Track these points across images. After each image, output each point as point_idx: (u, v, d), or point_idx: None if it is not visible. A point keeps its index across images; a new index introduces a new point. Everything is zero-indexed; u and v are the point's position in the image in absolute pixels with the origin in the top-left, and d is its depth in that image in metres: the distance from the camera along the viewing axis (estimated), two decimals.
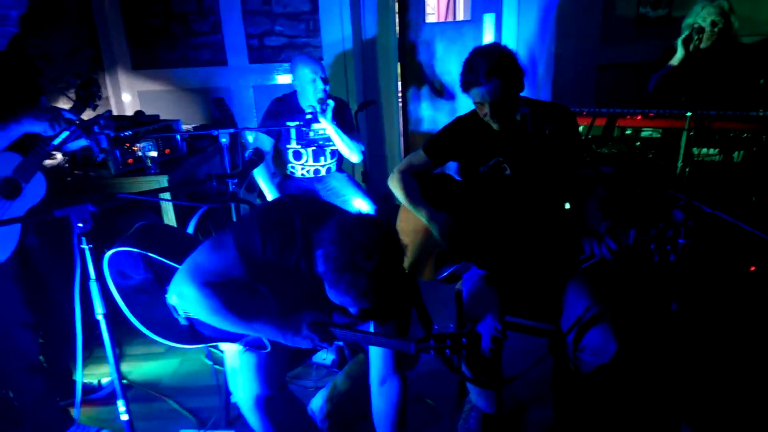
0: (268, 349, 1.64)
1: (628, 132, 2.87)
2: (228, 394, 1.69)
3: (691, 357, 2.46)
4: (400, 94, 4.56)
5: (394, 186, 2.17)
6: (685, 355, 2.47)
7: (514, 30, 4.13)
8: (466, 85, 1.91)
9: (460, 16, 4.89)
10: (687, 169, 2.29)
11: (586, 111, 2.98)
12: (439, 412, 2.26)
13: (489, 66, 1.83)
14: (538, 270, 2.07)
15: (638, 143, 2.85)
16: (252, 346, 1.66)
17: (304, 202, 1.55)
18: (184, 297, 1.46)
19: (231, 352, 1.73)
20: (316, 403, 2.09)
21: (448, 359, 1.91)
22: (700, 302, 2.68)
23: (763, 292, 2.44)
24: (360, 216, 1.42)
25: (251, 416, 1.66)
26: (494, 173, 2.04)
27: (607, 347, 1.83)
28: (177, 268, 1.50)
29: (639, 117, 2.86)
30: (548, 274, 2.05)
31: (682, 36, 2.94)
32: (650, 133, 2.84)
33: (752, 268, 2.61)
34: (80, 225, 1.34)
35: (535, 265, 2.07)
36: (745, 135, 2.67)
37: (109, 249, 1.66)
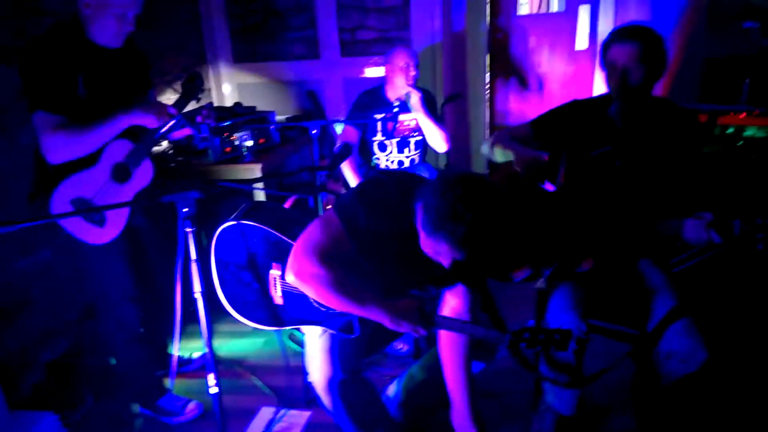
0: (356, 335, 1.70)
1: (729, 131, 2.69)
2: (306, 375, 1.77)
3: None
4: (487, 87, 4.50)
5: (490, 142, 2.12)
6: None
7: (611, 22, 3.95)
8: (607, 45, 1.88)
9: (554, 8, 4.73)
10: None
11: (687, 107, 2.81)
12: (514, 411, 2.24)
13: (636, 29, 1.83)
14: (629, 269, 2.01)
15: (740, 142, 2.66)
16: (341, 330, 1.72)
17: (395, 173, 1.63)
18: (302, 271, 1.51)
19: (310, 334, 1.81)
20: (392, 391, 2.14)
21: (524, 358, 1.90)
22: None
23: None
24: (464, 172, 1.45)
25: (325, 398, 1.71)
26: (603, 162, 1.98)
27: (695, 354, 1.75)
28: (288, 242, 1.61)
29: (743, 115, 2.66)
30: (637, 275, 1.98)
31: None
32: (754, 132, 2.64)
33: None
34: (185, 210, 1.46)
35: (628, 264, 2.00)
36: None
37: (216, 228, 1.80)
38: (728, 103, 2.77)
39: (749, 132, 2.65)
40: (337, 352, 1.70)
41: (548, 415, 2.07)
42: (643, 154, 1.93)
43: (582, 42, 4.20)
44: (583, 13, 4.13)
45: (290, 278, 1.54)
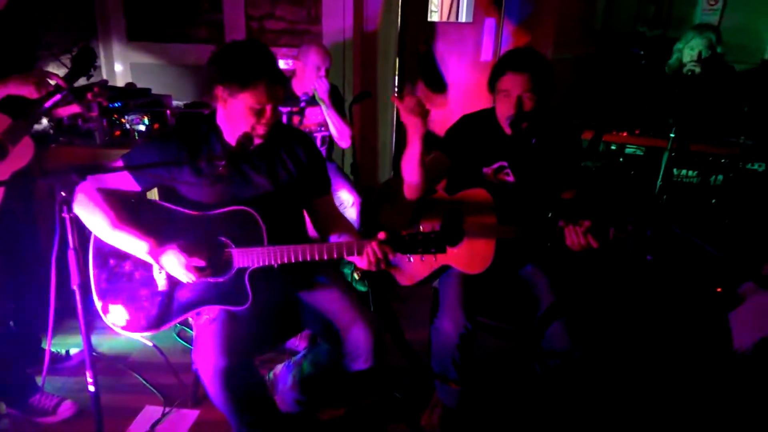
0: (247, 305, 1.69)
1: (613, 147, 2.93)
2: (196, 372, 1.69)
3: (646, 369, 2.53)
4: (396, 90, 4.57)
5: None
6: (641, 364, 2.54)
7: (514, 34, 4.17)
8: (499, 71, 1.96)
9: (463, 18, 4.90)
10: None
11: (575, 122, 3.03)
12: (406, 406, 2.29)
13: (527, 58, 1.93)
14: (515, 270, 2.13)
15: (621, 159, 2.91)
16: (232, 303, 1.70)
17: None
18: (79, 203, 1.65)
19: (199, 322, 1.75)
20: (279, 378, 2.10)
21: (415, 356, 1.96)
22: (665, 316, 2.75)
23: (725, 312, 2.52)
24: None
25: (211, 387, 1.66)
26: (497, 178, 2.07)
27: (571, 353, 1.90)
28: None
29: (624, 133, 2.92)
30: (519, 273, 2.11)
31: (672, 58, 3.01)
32: (634, 150, 2.90)
33: (719, 290, 2.69)
34: (63, 194, 1.34)
35: (515, 266, 2.12)
36: (723, 160, 2.74)
37: None
38: (612, 122, 3.01)
39: (629, 150, 2.91)
40: (225, 339, 1.66)
41: (437, 409, 2.15)
42: (533, 165, 2.05)
43: (486, 53, 4.39)
44: (489, 25, 4.31)
45: (75, 209, 1.62)
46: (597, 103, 3.78)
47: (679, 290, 2.77)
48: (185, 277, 1.67)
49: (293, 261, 1.68)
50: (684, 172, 2.79)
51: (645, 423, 2.26)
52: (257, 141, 1.73)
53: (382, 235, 1.65)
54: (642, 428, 2.25)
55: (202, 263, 1.67)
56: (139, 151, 1.75)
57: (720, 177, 2.74)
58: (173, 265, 1.66)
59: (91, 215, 1.68)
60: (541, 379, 2.06)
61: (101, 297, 1.76)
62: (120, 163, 1.72)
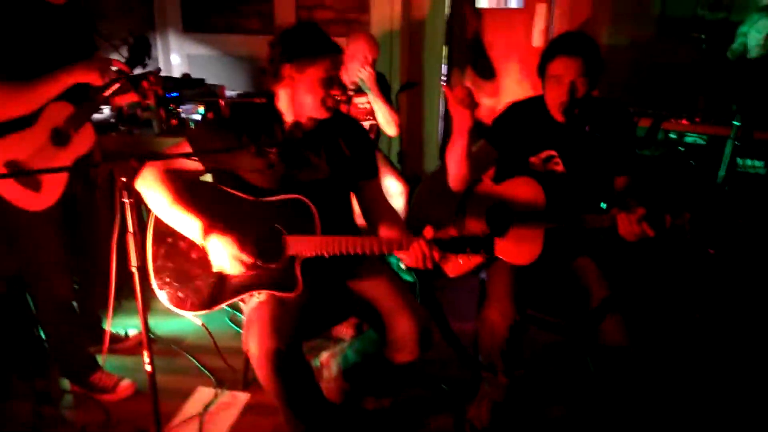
0: (298, 291, 1.71)
1: (672, 136, 2.81)
2: (246, 353, 1.73)
3: (706, 364, 2.43)
4: (444, 78, 4.52)
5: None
6: (700, 361, 2.43)
7: (567, 19, 4.04)
8: (547, 58, 1.91)
9: (513, 3, 4.79)
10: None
11: (632, 110, 2.91)
12: (452, 397, 2.28)
13: (579, 41, 1.88)
14: (566, 261, 2.07)
15: (682, 148, 2.78)
16: (281, 289, 1.73)
17: None
18: (143, 180, 1.69)
19: (250, 306, 1.78)
20: (326, 367, 2.13)
21: (462, 348, 1.94)
22: (724, 311, 2.63)
23: None
24: None
25: (261, 370, 1.68)
26: (545, 167, 2.02)
27: (625, 349, 1.84)
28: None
29: (685, 121, 2.79)
30: (573, 267, 2.05)
31: (736, 43, 2.86)
32: (695, 139, 2.77)
33: None
34: (123, 179, 1.39)
35: (566, 258, 2.07)
36: None
37: None
38: (671, 109, 2.89)
39: (690, 138, 2.78)
40: (275, 323, 1.68)
41: (484, 402, 2.12)
42: (585, 153, 1.98)
43: (538, 39, 4.28)
44: (540, 10, 4.20)
45: (138, 186, 1.69)
46: (656, 90, 3.63)
47: (743, 287, 2.63)
48: (232, 268, 1.70)
49: (344, 253, 1.69)
50: (749, 162, 2.65)
51: (699, 424, 2.17)
52: (318, 118, 1.77)
53: (428, 233, 1.64)
54: (696, 429, 2.16)
55: (251, 259, 1.69)
56: (202, 133, 1.80)
57: None
58: (222, 253, 1.69)
59: (152, 191, 1.72)
60: (594, 374, 2.01)
61: (157, 274, 1.80)
62: (184, 145, 1.76)
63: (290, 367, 1.70)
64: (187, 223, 1.71)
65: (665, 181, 2.78)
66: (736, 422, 2.17)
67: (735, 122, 2.41)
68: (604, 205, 2.08)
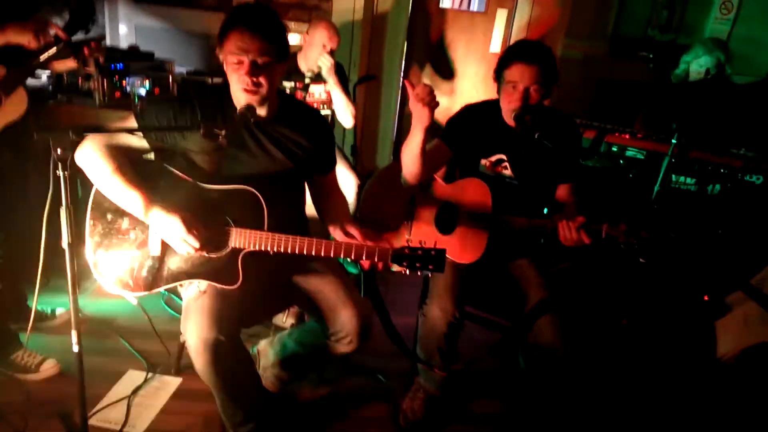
0: (237, 285, 1.67)
1: (614, 149, 2.92)
2: (185, 342, 1.68)
3: (630, 370, 2.56)
4: (402, 74, 4.53)
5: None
6: (625, 367, 2.56)
7: (525, 29, 4.13)
8: (504, 63, 1.94)
9: (475, 7, 4.85)
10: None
11: (579, 122, 3.02)
12: (389, 389, 2.31)
13: (537, 50, 1.91)
14: (506, 262, 2.13)
15: (622, 161, 2.91)
16: (221, 282, 1.68)
17: None
18: (83, 152, 1.63)
19: (189, 293, 1.74)
20: (263, 354, 2.11)
21: (401, 341, 1.96)
22: (652, 320, 2.77)
23: (711, 320, 2.54)
24: None
25: (198, 360, 1.65)
26: (494, 170, 2.06)
27: (556, 349, 1.91)
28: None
29: (627, 136, 2.91)
30: (512, 268, 2.11)
31: (679, 69, 3.01)
32: (635, 153, 2.89)
33: (705, 297, 2.70)
34: (59, 151, 1.32)
35: (506, 259, 2.12)
36: (723, 170, 2.74)
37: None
38: (615, 123, 3.01)
39: (630, 152, 2.91)
40: (215, 313, 1.65)
41: (419, 394, 2.16)
42: (533, 159, 2.04)
43: (496, 45, 4.36)
44: (501, 16, 4.27)
45: (77, 160, 1.64)
46: (603, 104, 3.77)
47: (668, 295, 2.78)
48: (177, 247, 1.66)
49: (288, 252, 1.67)
50: (683, 179, 2.79)
51: (623, 424, 2.28)
52: (262, 112, 1.71)
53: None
54: (619, 429, 2.27)
55: (197, 243, 1.64)
56: (150, 108, 1.72)
57: (718, 186, 2.74)
58: (165, 232, 1.64)
59: (93, 162, 1.65)
60: (525, 372, 2.07)
61: (94, 251, 1.74)
62: (129, 120, 1.69)
63: (229, 357, 1.67)
64: (129, 197, 1.64)
65: (605, 192, 2.89)
66: (657, 422, 2.30)
67: (673, 140, 2.54)
68: (546, 210, 2.15)
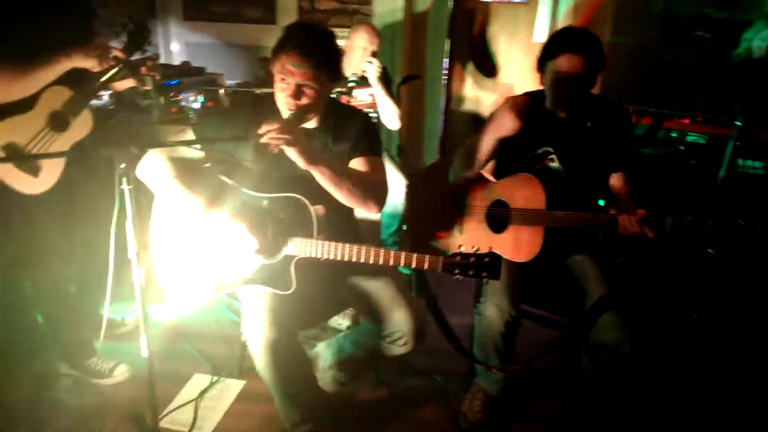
0: (292, 290, 1.70)
1: (673, 135, 2.80)
2: (246, 343, 1.74)
3: (705, 367, 2.44)
4: (445, 72, 4.51)
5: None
6: (699, 364, 2.44)
7: (570, 15, 4.03)
8: (550, 53, 1.90)
9: None
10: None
11: (633, 108, 2.91)
12: (447, 389, 2.29)
13: (586, 39, 1.86)
14: (564, 258, 2.08)
15: (682, 147, 2.78)
16: (276, 287, 1.72)
17: None
18: (146, 165, 1.67)
19: (249, 295, 1.79)
20: (320, 357, 2.13)
21: (457, 341, 1.94)
22: (723, 312, 2.64)
23: None
24: None
25: (259, 359, 1.70)
26: (540, 163, 2.02)
27: (621, 347, 1.84)
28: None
29: (686, 120, 2.79)
30: (569, 264, 2.06)
31: (740, 48, 2.85)
32: (695, 138, 2.77)
33: None
34: (122, 166, 1.39)
35: (563, 255, 2.07)
36: None
37: None
38: (673, 107, 2.89)
39: (691, 138, 2.78)
40: (274, 313, 1.69)
41: (479, 395, 2.13)
42: (583, 150, 1.98)
43: (540, 34, 4.27)
44: (543, 4, 4.18)
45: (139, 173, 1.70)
46: (658, 89, 3.61)
47: (743, 287, 2.63)
48: (237, 248, 1.71)
49: (338, 259, 1.68)
50: (750, 162, 2.65)
51: (695, 424, 2.18)
52: (309, 122, 1.75)
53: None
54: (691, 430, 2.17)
55: (256, 244, 1.69)
56: (207, 122, 1.81)
57: None
58: (229, 233, 1.70)
59: (155, 172, 1.72)
60: (589, 371, 2.02)
61: (159, 257, 1.83)
62: (188, 135, 1.78)
63: (288, 358, 1.72)
64: (191, 202, 1.72)
65: (666, 180, 2.78)
66: (733, 423, 2.18)
67: (737, 122, 2.41)
68: (602, 203, 2.09)
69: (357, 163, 1.84)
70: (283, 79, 1.67)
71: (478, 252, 1.57)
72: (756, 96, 2.69)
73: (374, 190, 1.80)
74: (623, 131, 2.05)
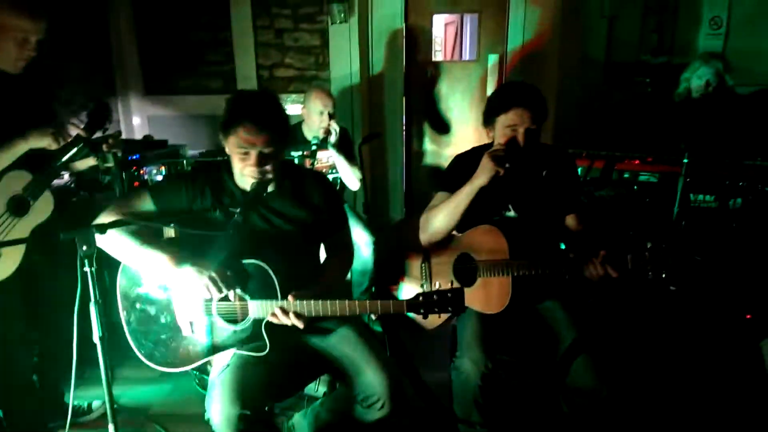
0: (266, 351, 1.68)
1: (626, 176, 2.92)
2: (209, 421, 1.67)
3: (678, 400, 2.45)
4: (404, 128, 4.63)
5: (425, 224, 2.08)
6: (671, 397, 2.46)
7: (518, 71, 4.23)
8: (496, 110, 1.97)
9: (466, 56, 4.99)
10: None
11: (585, 153, 3.03)
12: None
13: (531, 93, 1.94)
14: (534, 305, 2.10)
15: (636, 187, 2.89)
16: (249, 349, 1.70)
17: None
18: (100, 227, 1.52)
19: (215, 368, 1.75)
20: (300, 422, 2.07)
21: (435, 399, 1.90)
22: (694, 346, 2.68)
23: (757, 340, 2.45)
24: None
25: None
26: (497, 213, 2.07)
27: (598, 391, 1.85)
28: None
29: (637, 161, 2.91)
30: (541, 310, 2.08)
31: (680, 88, 3.03)
32: (648, 177, 2.88)
33: (748, 316, 2.61)
34: (84, 248, 1.37)
35: (533, 302, 2.09)
36: (741, 183, 2.70)
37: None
38: (624, 149, 3.01)
39: (643, 177, 2.89)
40: (239, 385, 1.65)
41: None
42: (536, 197, 2.05)
43: (492, 88, 4.45)
44: (492, 60, 4.38)
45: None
46: (606, 133, 3.79)
47: (706, 319, 2.69)
48: (203, 288, 1.67)
49: (305, 315, 1.68)
50: (701, 197, 2.76)
51: None
52: (269, 184, 1.77)
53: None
54: None
55: (224, 283, 1.68)
56: (165, 187, 1.83)
57: (740, 200, 2.70)
58: (197, 280, 1.67)
59: (114, 238, 1.70)
60: (569, 416, 2.00)
61: (132, 337, 1.82)
62: (144, 197, 1.80)
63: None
64: (154, 258, 1.70)
65: (622, 221, 2.87)
66: None
67: (685, 159, 2.53)
68: (563, 246, 2.14)
69: (330, 244, 1.97)
70: (244, 152, 1.70)
71: (440, 289, 1.58)
72: (700, 133, 2.84)
73: (348, 264, 2.01)
74: (570, 174, 2.16)
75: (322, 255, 2.06)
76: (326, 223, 1.92)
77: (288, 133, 1.78)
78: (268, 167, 1.73)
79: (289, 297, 1.67)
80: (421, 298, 1.59)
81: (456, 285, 1.60)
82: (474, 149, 2.15)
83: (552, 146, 2.16)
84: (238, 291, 1.74)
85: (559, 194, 2.07)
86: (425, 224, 2.07)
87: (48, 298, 2.17)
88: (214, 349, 1.77)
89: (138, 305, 1.80)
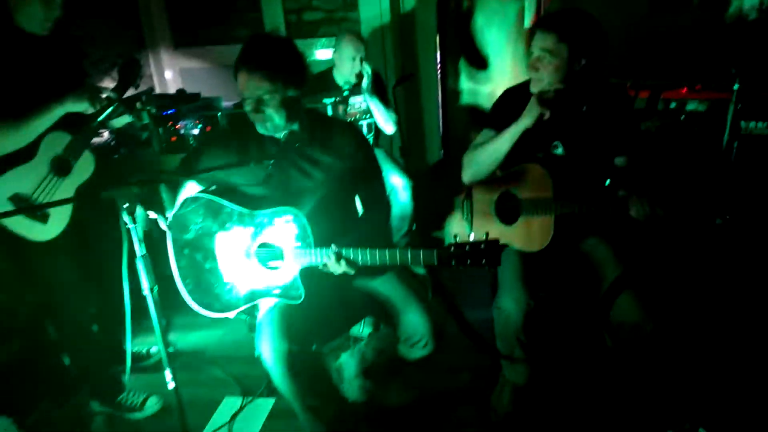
0: (302, 299, 1.72)
1: (672, 105, 2.77)
2: (260, 357, 1.74)
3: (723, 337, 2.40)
4: (438, 67, 4.49)
5: (468, 163, 2.03)
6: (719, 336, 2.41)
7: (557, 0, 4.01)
8: (531, 33, 1.87)
9: None
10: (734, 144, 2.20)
11: (630, 83, 2.88)
12: (475, 385, 2.29)
13: (558, 17, 1.83)
14: (577, 244, 2.06)
15: (683, 117, 2.75)
16: (288, 297, 1.75)
17: None
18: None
19: (262, 309, 1.81)
20: (343, 367, 2.15)
21: (479, 337, 1.93)
22: (742, 282, 2.60)
23: None
24: None
25: (274, 372, 1.69)
26: (544, 151, 2.01)
27: (643, 325, 1.83)
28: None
29: (684, 89, 2.75)
30: (583, 248, 2.05)
31: (731, 10, 2.81)
32: (696, 106, 2.73)
33: None
34: (125, 206, 1.40)
35: (576, 240, 2.06)
36: None
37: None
38: (671, 77, 2.85)
39: (691, 106, 2.74)
40: (286, 323, 1.71)
41: (506, 387, 2.13)
42: (583, 135, 1.96)
43: (529, 20, 4.24)
44: None
45: None
46: (652, 61, 3.58)
47: (755, 253, 2.58)
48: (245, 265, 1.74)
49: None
50: (753, 124, 2.60)
51: (719, 402, 2.15)
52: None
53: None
54: (720, 404, 2.14)
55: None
56: (194, 157, 1.85)
57: None
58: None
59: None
60: (612, 351, 2.00)
61: (183, 279, 1.89)
62: (204, 155, 1.88)
63: (303, 369, 1.71)
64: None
65: (670, 154, 2.75)
66: (752, 401, 2.15)
67: (735, 86, 2.38)
68: (608, 182, 2.07)
69: (365, 198, 1.96)
70: (244, 99, 1.70)
71: (473, 240, 1.53)
72: (752, 57, 2.66)
73: (385, 220, 2.04)
74: (622, 112, 2.01)
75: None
76: (360, 171, 1.90)
77: (297, 74, 1.71)
78: (271, 113, 1.69)
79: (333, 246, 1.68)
80: (453, 248, 1.54)
81: (497, 226, 1.57)
82: (526, 83, 2.05)
83: (604, 80, 2.03)
84: (275, 239, 1.76)
85: (609, 132, 1.96)
86: (468, 163, 2.02)
87: (100, 252, 2.26)
88: (254, 295, 1.82)
89: (186, 251, 1.87)
